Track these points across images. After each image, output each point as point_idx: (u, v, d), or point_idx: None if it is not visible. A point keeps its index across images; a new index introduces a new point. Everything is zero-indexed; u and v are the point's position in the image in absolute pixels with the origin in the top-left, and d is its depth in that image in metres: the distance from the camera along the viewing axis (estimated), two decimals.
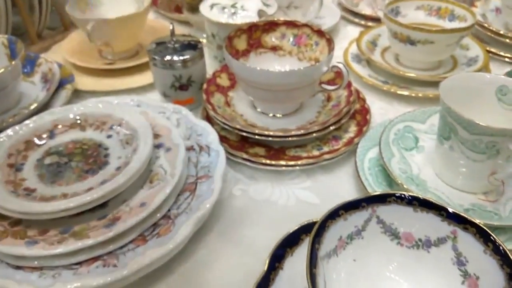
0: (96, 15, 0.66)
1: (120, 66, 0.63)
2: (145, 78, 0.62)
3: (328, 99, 0.55)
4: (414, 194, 0.33)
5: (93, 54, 0.67)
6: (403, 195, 0.33)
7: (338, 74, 0.56)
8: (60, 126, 0.48)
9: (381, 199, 0.33)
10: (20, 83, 0.59)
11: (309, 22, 0.71)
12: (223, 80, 0.57)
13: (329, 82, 0.54)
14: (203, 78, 0.57)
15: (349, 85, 0.53)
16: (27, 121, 0.48)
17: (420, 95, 0.58)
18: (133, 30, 0.65)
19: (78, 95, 0.62)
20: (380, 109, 0.58)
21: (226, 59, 0.49)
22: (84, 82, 0.63)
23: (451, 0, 0.64)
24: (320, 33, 0.53)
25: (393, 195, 0.33)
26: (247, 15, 0.58)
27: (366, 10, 0.79)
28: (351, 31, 0.77)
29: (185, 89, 0.56)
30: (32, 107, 0.55)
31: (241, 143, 0.51)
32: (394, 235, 0.34)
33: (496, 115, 0.44)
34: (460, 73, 0.44)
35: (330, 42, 0.51)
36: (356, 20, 0.78)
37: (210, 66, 0.62)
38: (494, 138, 0.39)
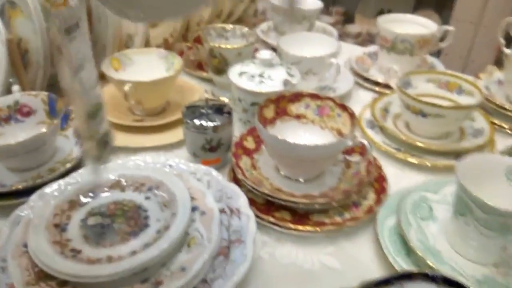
0: (128, 73, 0.71)
1: (151, 123, 0.67)
2: (174, 135, 0.66)
3: (348, 166, 0.58)
4: (437, 273, 0.36)
5: (123, 109, 0.72)
6: (428, 274, 0.36)
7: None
8: (101, 186, 0.51)
9: (409, 276, 0.37)
10: (56, 139, 0.62)
11: (326, 86, 0.77)
12: (249, 143, 0.61)
13: (347, 150, 0.58)
14: (230, 140, 0.61)
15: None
16: (69, 180, 0.52)
17: (428, 164, 0.63)
18: (164, 90, 0.69)
19: None
20: (394, 175, 0.62)
21: (258, 128, 0.53)
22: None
23: (459, 75, 0.70)
24: (342, 106, 0.57)
25: (420, 273, 0.37)
26: (273, 84, 0.63)
27: (377, 76, 0.84)
28: (362, 96, 0.82)
29: (214, 150, 0.60)
30: (68, 164, 0.58)
31: (267, 206, 0.54)
32: None
33: (508, 195, 0.48)
34: (474, 155, 0.49)
35: (352, 117, 0.55)
36: (368, 85, 0.83)
37: (235, 127, 0.66)
38: (506, 219, 0.43)
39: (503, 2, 1.56)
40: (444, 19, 1.87)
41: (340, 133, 0.58)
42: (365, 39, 2.08)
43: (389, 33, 0.79)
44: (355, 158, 0.53)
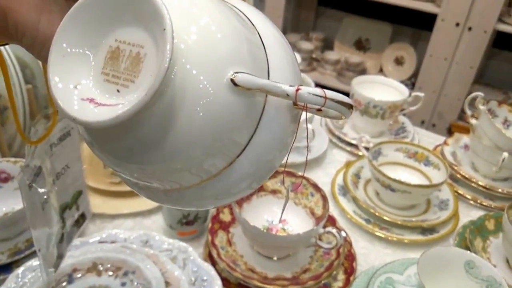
0: None
1: (127, 188, 0.68)
2: (150, 201, 0.67)
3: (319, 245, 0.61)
4: None
5: (99, 170, 0.72)
6: None
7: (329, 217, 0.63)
8: (78, 270, 0.52)
9: None
10: None
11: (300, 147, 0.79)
12: (225, 215, 0.63)
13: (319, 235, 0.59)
14: (207, 212, 0.63)
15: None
16: None
17: (394, 239, 0.66)
18: None
19: None
20: (363, 249, 0.65)
21: (232, 207, 0.56)
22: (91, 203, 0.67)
23: (427, 147, 0.74)
24: (316, 187, 0.60)
25: None
26: None
27: (351, 134, 0.88)
28: (337, 156, 0.85)
29: (191, 224, 0.62)
30: None
31: (242, 287, 0.56)
32: None
33: (465, 286, 0.51)
34: (435, 248, 0.52)
35: (325, 200, 0.58)
36: (342, 145, 0.86)
37: None
38: None
39: (476, 41, 1.63)
40: (419, 52, 1.94)
41: (312, 212, 0.60)
42: (343, 68, 2.13)
43: (362, 98, 0.82)
44: (326, 245, 0.55)
